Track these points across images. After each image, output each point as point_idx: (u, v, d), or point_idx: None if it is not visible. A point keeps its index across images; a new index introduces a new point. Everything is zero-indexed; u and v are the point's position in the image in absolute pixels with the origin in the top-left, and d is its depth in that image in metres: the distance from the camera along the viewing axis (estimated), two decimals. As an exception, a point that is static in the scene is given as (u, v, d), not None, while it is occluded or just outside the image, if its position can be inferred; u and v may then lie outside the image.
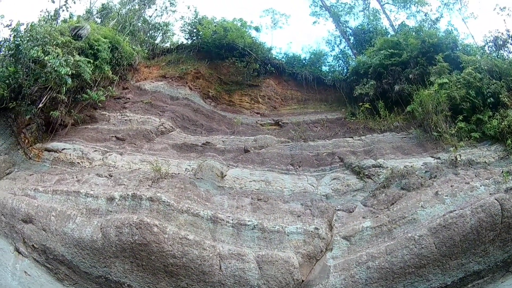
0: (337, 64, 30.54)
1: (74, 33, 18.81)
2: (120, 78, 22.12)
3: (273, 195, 13.55)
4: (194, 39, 28.37)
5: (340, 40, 33.29)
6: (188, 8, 31.62)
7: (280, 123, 21.80)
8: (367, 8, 35.20)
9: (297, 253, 11.02)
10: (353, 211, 12.40)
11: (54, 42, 16.58)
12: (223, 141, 18.32)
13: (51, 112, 16.35)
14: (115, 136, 17.33)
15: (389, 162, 14.61)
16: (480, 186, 11.53)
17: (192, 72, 24.65)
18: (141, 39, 28.63)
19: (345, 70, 27.93)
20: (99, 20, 28.27)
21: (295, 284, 10.64)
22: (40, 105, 16.14)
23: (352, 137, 18.13)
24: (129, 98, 21.24)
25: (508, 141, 13.32)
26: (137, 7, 31.87)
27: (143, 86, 22.84)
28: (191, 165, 15.33)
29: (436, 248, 10.20)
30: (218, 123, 21.08)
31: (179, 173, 14.41)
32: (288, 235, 11.35)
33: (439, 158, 14.24)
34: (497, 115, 14.59)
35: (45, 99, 16.30)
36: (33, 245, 11.89)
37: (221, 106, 23.62)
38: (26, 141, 16.07)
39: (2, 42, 17.23)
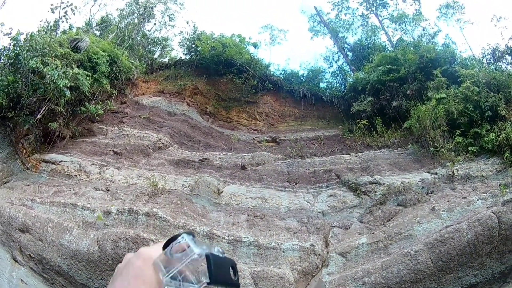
0: (335, 81, 30.80)
1: (73, 45, 18.85)
2: (118, 92, 22.23)
3: (270, 212, 13.57)
4: (193, 55, 28.46)
5: (338, 56, 33.53)
6: (187, 23, 31.80)
7: (277, 140, 21.81)
8: (365, 24, 35.47)
9: (292, 269, 10.99)
10: (349, 227, 12.42)
11: (53, 54, 16.64)
12: (220, 158, 18.32)
13: (49, 123, 16.43)
14: (113, 150, 17.36)
15: (386, 179, 14.63)
16: (477, 200, 11.53)
17: (190, 88, 24.72)
18: (140, 53, 28.75)
19: (343, 87, 28.15)
20: (98, 33, 28.36)
21: (291, 299, 10.58)
22: (39, 116, 16.25)
23: (349, 154, 18.16)
24: (127, 113, 21.28)
25: (506, 154, 13.34)
26: (136, 21, 32.12)
27: (141, 101, 22.91)
28: (188, 181, 15.35)
29: (432, 262, 10.18)
30: (216, 140, 21.13)
31: (175, 189, 14.44)
32: (284, 252, 11.34)
33: (436, 173, 14.24)
34: (495, 128, 14.66)
35: (44, 110, 16.39)
36: (29, 255, 11.89)
37: (218, 122, 23.70)
38: (24, 151, 16.11)
39: (2, 51, 17.31)
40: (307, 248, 11.38)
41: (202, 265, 1.16)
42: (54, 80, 15.38)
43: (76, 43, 19.04)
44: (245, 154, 18.87)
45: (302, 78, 29.31)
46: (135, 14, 32.69)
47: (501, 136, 13.99)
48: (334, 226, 12.62)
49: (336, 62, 33.48)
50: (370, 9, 35.74)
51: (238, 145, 20.32)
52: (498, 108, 15.20)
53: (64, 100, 16.31)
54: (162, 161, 17.13)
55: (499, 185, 11.96)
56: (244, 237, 11.68)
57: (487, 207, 11.12)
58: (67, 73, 16.03)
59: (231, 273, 1.21)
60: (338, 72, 31.68)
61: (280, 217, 13.22)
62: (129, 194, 13.54)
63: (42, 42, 16.63)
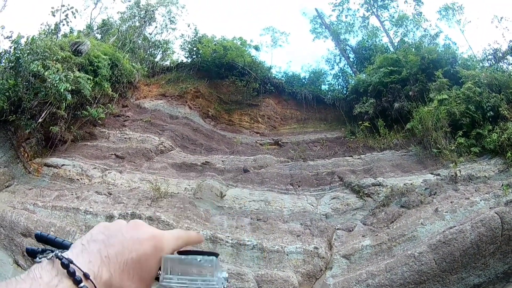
0: (336, 83, 30.94)
1: (74, 48, 18.80)
2: (119, 96, 22.21)
3: (273, 215, 13.56)
4: (194, 58, 28.47)
5: (340, 58, 33.61)
6: (188, 26, 32.00)
7: (279, 142, 21.83)
8: (366, 26, 35.42)
9: (296, 272, 10.95)
10: (352, 230, 12.43)
11: (54, 57, 16.60)
12: (222, 161, 18.32)
13: (51, 127, 16.38)
14: (115, 154, 17.33)
15: (388, 180, 14.63)
16: (480, 200, 11.55)
17: (192, 91, 24.70)
18: (141, 56, 28.75)
19: (344, 89, 28.17)
20: (99, 36, 28.40)
21: (295, 302, 10.56)
22: (40, 120, 16.22)
23: (351, 156, 18.18)
24: (128, 116, 21.25)
25: (508, 154, 13.35)
26: (137, 24, 32.03)
27: (142, 104, 22.90)
28: (191, 184, 15.34)
29: (436, 264, 10.16)
30: (218, 143, 21.12)
31: (178, 193, 14.45)
32: (287, 255, 11.33)
33: (439, 174, 14.25)
34: (496, 129, 14.66)
35: (45, 114, 16.37)
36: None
37: (220, 125, 23.69)
38: (26, 155, 16.09)
39: (3, 54, 17.31)
40: (311, 251, 11.35)
41: None
42: (55, 84, 15.36)
43: (77, 47, 19.00)
44: (248, 157, 18.90)
45: (304, 80, 29.49)
46: (136, 17, 32.63)
47: (503, 136, 14.01)
48: (337, 229, 12.62)
49: (337, 64, 33.61)
50: (371, 11, 35.74)
51: (241, 148, 20.35)
52: (499, 109, 15.21)
53: (65, 103, 16.32)
54: (165, 165, 17.10)
55: (502, 185, 12.00)
56: (248, 241, 11.68)
57: (490, 208, 11.12)
58: (68, 76, 16.03)
59: None
60: (340, 74, 31.82)
61: (283, 220, 13.20)
62: (132, 198, 13.52)
63: (43, 46, 16.60)
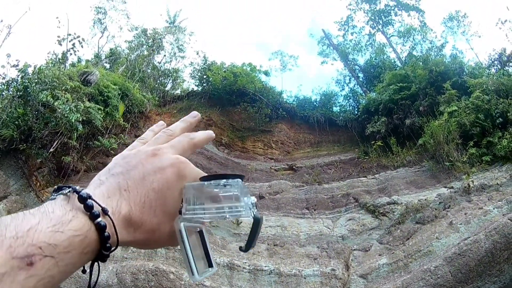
0: (347, 103, 30.84)
1: (83, 78, 18.94)
2: (131, 126, 22.31)
3: (289, 240, 13.64)
4: (205, 85, 28.51)
5: (350, 79, 33.63)
6: (197, 53, 31.72)
7: (294, 167, 21.84)
8: (373, 43, 35.66)
9: (314, 294, 10.92)
10: (369, 249, 12.47)
11: (63, 87, 16.73)
12: (237, 189, 18.20)
13: (63, 157, 16.49)
14: (127, 184, 17.26)
15: (403, 198, 14.66)
16: (493, 209, 11.57)
17: (204, 119, 24.78)
18: (151, 85, 28.88)
19: (356, 109, 28.16)
20: (108, 65, 28.53)
21: (314, 324, 10.54)
22: (51, 150, 16.32)
23: (366, 176, 18.17)
24: (141, 146, 21.19)
25: (519, 158, 13.17)
26: (145, 52, 32.11)
27: (155, 134, 22.78)
28: (206, 213, 15.29)
29: (452, 276, 10.18)
30: (232, 170, 20.65)
31: (194, 221, 14.39)
32: (305, 278, 11.35)
33: (452, 187, 14.25)
34: (506, 135, 14.69)
35: (56, 144, 16.50)
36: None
37: (234, 153, 23.76)
38: (38, 184, 16.12)
39: (10, 82, 17.21)
40: (328, 272, 11.40)
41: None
42: (66, 114, 15.46)
43: (86, 76, 19.12)
44: (263, 183, 18.94)
45: (315, 103, 29.36)
46: (144, 46, 32.81)
47: (513, 141, 13.93)
48: (354, 249, 12.66)
49: (347, 85, 33.65)
50: (376, 28, 36.02)
51: (255, 175, 20.36)
52: (508, 114, 15.27)
53: (76, 134, 16.45)
54: (180, 194, 17.06)
55: (514, 190, 11.89)
56: (265, 266, 11.75)
57: (503, 215, 11.16)
58: (78, 107, 16.18)
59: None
60: (351, 94, 31.76)
61: (300, 244, 13.27)
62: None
63: (50, 75, 16.72)
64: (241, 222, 14.66)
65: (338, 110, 28.86)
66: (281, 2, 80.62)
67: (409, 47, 33.62)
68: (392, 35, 35.20)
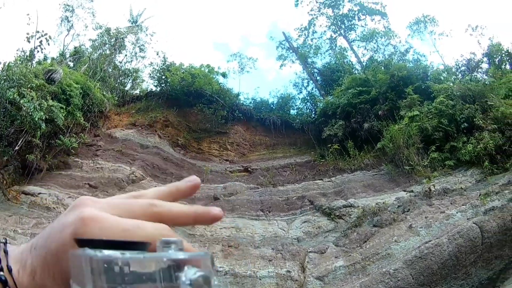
0: (305, 107, 31.00)
1: (47, 76, 18.69)
2: (91, 125, 22.23)
3: (244, 241, 13.67)
4: (163, 86, 28.63)
5: (308, 82, 33.86)
6: (157, 54, 31.67)
7: (249, 169, 21.95)
8: (334, 47, 35.81)
9: (270, 295, 10.95)
10: (325, 251, 12.41)
11: (29, 85, 16.46)
12: (193, 190, 18.17)
13: (27, 155, 16.29)
14: (88, 184, 17.25)
15: (360, 201, 14.73)
16: (457, 213, 11.60)
17: (161, 120, 24.87)
18: (112, 85, 28.81)
19: (313, 112, 28.29)
20: (71, 64, 28.15)
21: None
22: (17, 148, 16.08)
23: (322, 179, 18.26)
24: (100, 146, 21.24)
25: (485, 163, 13.50)
26: (108, 52, 31.92)
27: (113, 134, 22.95)
28: (162, 213, 15.26)
29: (413, 278, 10.13)
30: (188, 171, 20.91)
31: (150, 221, 14.37)
32: (260, 279, 11.36)
33: (412, 191, 14.31)
34: (472, 140, 14.73)
35: (21, 142, 16.27)
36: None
37: (190, 154, 23.80)
38: (4, 182, 15.86)
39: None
40: (284, 274, 11.42)
41: None
42: (30, 112, 15.29)
43: (51, 75, 18.91)
44: (218, 185, 19.05)
45: (272, 106, 29.81)
46: (107, 45, 32.66)
47: (479, 146, 14.12)
48: (309, 251, 12.63)
49: (305, 88, 33.90)
50: (338, 32, 36.15)
51: (211, 176, 20.44)
52: (474, 119, 15.34)
53: (40, 132, 16.25)
54: (137, 194, 17.01)
55: (479, 195, 12.05)
56: (220, 267, 11.77)
57: (467, 219, 11.21)
58: (42, 105, 15.99)
59: None
60: (308, 98, 31.98)
61: (255, 245, 13.30)
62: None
63: (18, 73, 16.52)
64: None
65: (295, 113, 29.22)
66: (241, 4, 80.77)
67: (371, 50, 34.06)
68: (354, 40, 35.46)
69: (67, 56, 29.72)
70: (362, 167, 18.10)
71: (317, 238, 13.65)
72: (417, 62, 26.15)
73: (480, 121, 15.17)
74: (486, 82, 17.53)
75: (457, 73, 22.87)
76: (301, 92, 33.51)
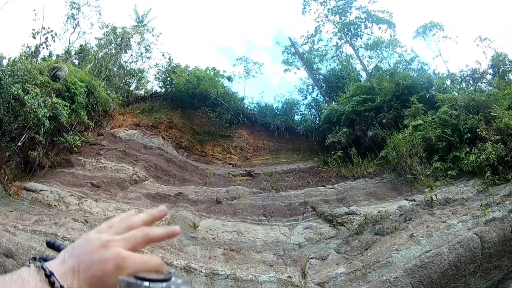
0: (309, 113, 31.05)
1: (52, 73, 18.68)
2: (95, 124, 22.31)
3: (246, 245, 13.65)
4: (168, 87, 28.78)
5: (313, 88, 33.99)
6: (163, 55, 31.83)
7: (252, 173, 21.98)
8: (340, 54, 35.98)
9: (270, 301, 10.97)
10: (326, 258, 12.36)
11: (34, 81, 16.54)
12: (195, 192, 18.40)
13: (30, 151, 16.40)
14: (91, 182, 17.32)
15: (362, 209, 14.71)
16: (458, 223, 11.55)
17: (165, 121, 24.95)
18: (116, 85, 28.82)
19: (317, 119, 28.39)
20: (76, 62, 28.29)
21: (270, 331, 10.55)
22: (19, 144, 16.13)
23: (324, 186, 18.24)
24: (103, 145, 21.35)
25: (487, 174, 13.44)
26: (113, 51, 32.14)
27: (117, 134, 23.04)
28: (164, 215, 15.25)
29: (413, 287, 10.13)
30: (191, 174, 21.22)
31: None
32: (261, 284, 11.32)
33: (414, 200, 14.29)
34: (474, 150, 14.70)
35: (24, 138, 16.34)
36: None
37: (193, 156, 23.86)
38: (6, 177, 15.90)
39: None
40: (284, 279, 11.37)
41: None
42: (34, 109, 15.31)
43: (55, 72, 18.89)
44: (220, 188, 18.99)
45: (276, 111, 29.77)
46: (113, 44, 32.84)
47: (481, 157, 14.07)
48: (311, 258, 12.56)
49: (310, 94, 34.07)
50: (344, 39, 36.24)
51: (213, 179, 20.47)
52: (477, 130, 15.27)
53: (43, 129, 16.32)
54: (139, 195, 17.19)
55: (480, 205, 12.04)
56: (221, 270, 11.70)
57: (468, 229, 11.14)
58: (46, 102, 16.03)
59: None
60: (313, 104, 32.07)
61: (256, 250, 13.26)
62: (107, 227, 13.46)
63: (23, 69, 16.53)
64: (198, 226, 14.76)
65: (300, 119, 29.21)
66: (245, 8, 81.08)
67: (377, 59, 34.05)
68: (360, 47, 35.56)
69: (72, 54, 29.80)
70: (365, 175, 18.10)
71: (318, 245, 13.64)
72: (422, 71, 26.21)
73: (483, 132, 15.10)
74: (490, 93, 17.44)
75: (462, 82, 22.82)
76: (305, 98, 33.71)
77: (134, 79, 33.06)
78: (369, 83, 23.91)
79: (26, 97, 15.43)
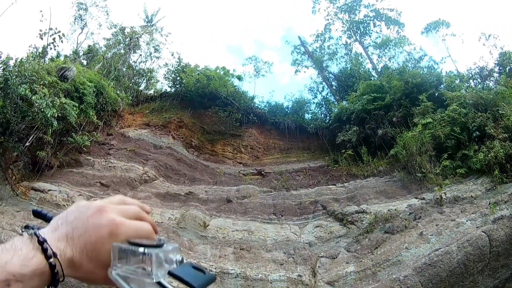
0: (319, 112, 30.97)
1: (60, 73, 18.72)
2: (104, 124, 22.34)
3: (256, 244, 13.65)
4: (178, 87, 28.78)
5: (323, 87, 33.84)
6: (172, 55, 32.06)
7: (262, 172, 21.94)
8: (349, 53, 35.85)
9: (280, 299, 10.97)
10: (336, 257, 12.40)
11: (41, 82, 16.55)
12: (206, 191, 18.41)
13: (38, 152, 16.39)
14: (100, 182, 17.27)
15: (372, 207, 14.71)
16: (467, 221, 11.59)
17: (175, 121, 24.96)
18: (126, 84, 28.89)
19: (327, 117, 28.34)
20: (85, 62, 28.34)
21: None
22: (27, 144, 16.13)
23: (335, 185, 18.25)
24: (113, 145, 21.34)
25: (495, 172, 13.45)
26: (122, 51, 32.19)
27: (127, 133, 23.05)
28: (174, 214, 15.38)
29: (422, 286, 10.13)
30: (201, 173, 21.19)
31: (162, 222, 14.46)
32: (271, 283, 11.34)
33: (423, 198, 14.28)
34: (483, 148, 14.69)
35: (32, 138, 16.33)
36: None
37: (204, 155, 23.85)
38: (14, 177, 15.88)
39: (-9, 74, 17.05)
40: (295, 278, 11.39)
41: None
42: (42, 109, 15.29)
43: (64, 72, 18.93)
44: (231, 187, 19.00)
45: (286, 110, 29.68)
46: (121, 44, 32.89)
47: (489, 155, 14.08)
48: (321, 256, 12.60)
49: (320, 93, 33.87)
50: (353, 37, 36.26)
51: (224, 179, 20.45)
52: (486, 128, 15.27)
53: (51, 129, 16.30)
54: (149, 194, 17.14)
55: (489, 204, 12.05)
56: (231, 269, 11.72)
57: (476, 227, 11.17)
58: (54, 102, 16.00)
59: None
60: (323, 102, 31.94)
61: (266, 249, 13.28)
62: (117, 227, 13.46)
63: (30, 69, 16.51)
64: (208, 225, 14.73)
65: (310, 118, 29.15)
66: (256, 8, 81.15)
67: (386, 58, 34.00)
68: (369, 45, 35.56)
69: (81, 54, 29.82)
70: (375, 173, 18.11)
71: (329, 243, 13.64)
72: (431, 70, 26.09)
73: (491, 130, 15.10)
74: (498, 91, 17.39)
75: (470, 81, 22.72)
76: (316, 97, 33.56)
77: (144, 79, 33.07)
78: (378, 81, 23.94)
79: (33, 98, 15.42)
